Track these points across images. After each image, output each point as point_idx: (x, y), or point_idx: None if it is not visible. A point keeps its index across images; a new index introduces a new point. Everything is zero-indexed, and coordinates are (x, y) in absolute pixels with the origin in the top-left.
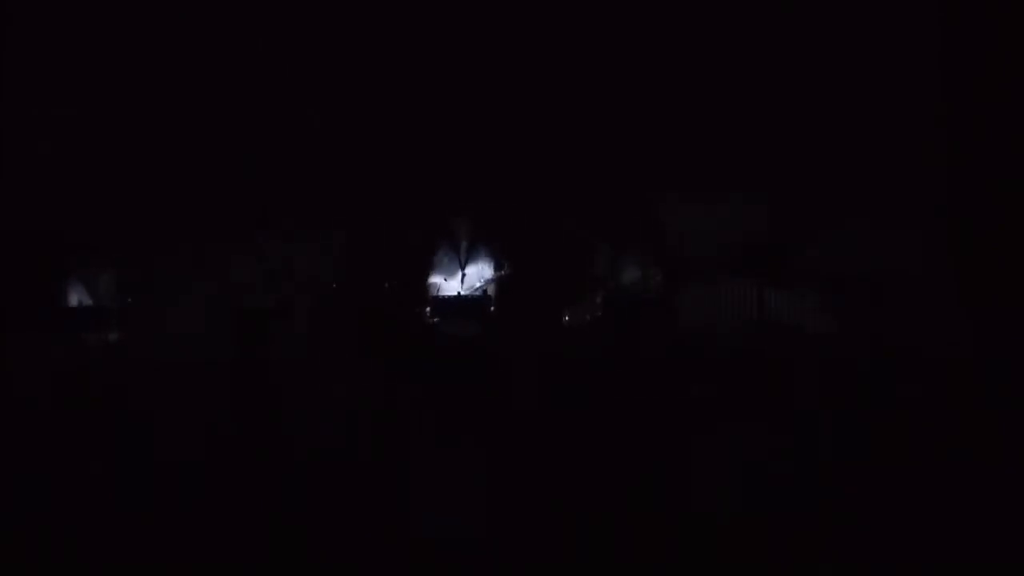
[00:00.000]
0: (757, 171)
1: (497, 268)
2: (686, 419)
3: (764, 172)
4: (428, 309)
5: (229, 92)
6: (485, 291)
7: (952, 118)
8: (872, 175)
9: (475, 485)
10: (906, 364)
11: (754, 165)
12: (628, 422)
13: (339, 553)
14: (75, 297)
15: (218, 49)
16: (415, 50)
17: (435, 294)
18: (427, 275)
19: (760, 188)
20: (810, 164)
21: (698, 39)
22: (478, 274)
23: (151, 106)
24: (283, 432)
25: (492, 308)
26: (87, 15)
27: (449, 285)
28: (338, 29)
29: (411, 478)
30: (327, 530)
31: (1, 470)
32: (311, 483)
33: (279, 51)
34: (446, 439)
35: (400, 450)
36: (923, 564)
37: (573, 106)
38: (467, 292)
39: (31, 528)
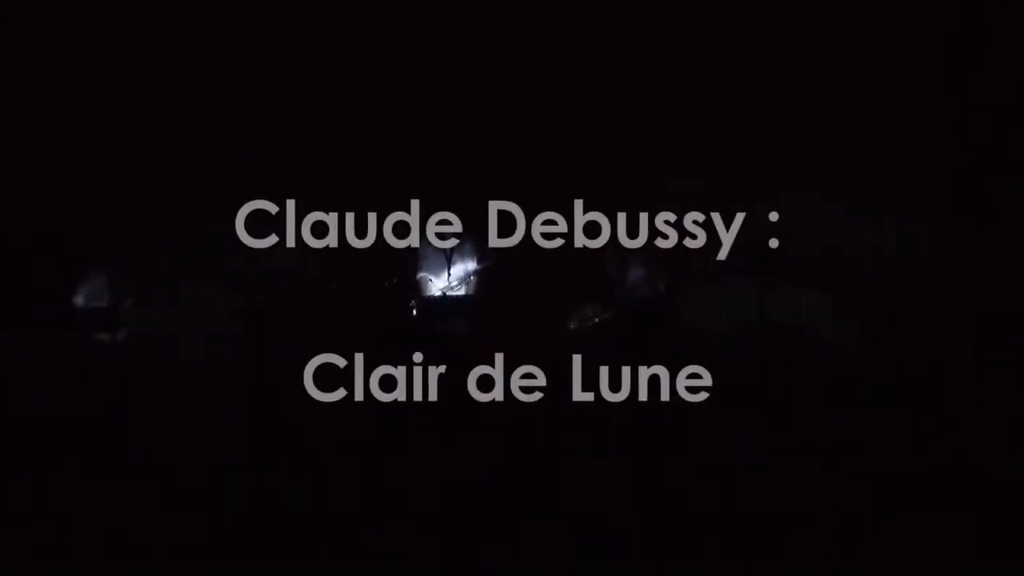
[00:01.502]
0: (758, 172)
1: (480, 261)
2: (686, 418)
3: (766, 173)
4: (414, 309)
5: (228, 93)
6: (468, 285)
7: (952, 118)
8: (873, 175)
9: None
10: (906, 364)
11: (755, 166)
12: (627, 420)
13: (341, 553)
14: (78, 297)
15: (217, 50)
16: (394, 49)
17: (422, 292)
18: (415, 273)
19: (762, 189)
20: (811, 163)
21: (700, 38)
22: (464, 269)
23: (150, 106)
24: (286, 431)
25: (478, 304)
26: (87, 15)
27: (436, 282)
28: (330, 34)
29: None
30: (330, 530)
31: (3, 469)
32: (314, 482)
33: (277, 52)
34: (446, 437)
35: (401, 449)
36: (923, 564)
37: (558, 100)
38: (455, 285)
39: (32, 528)
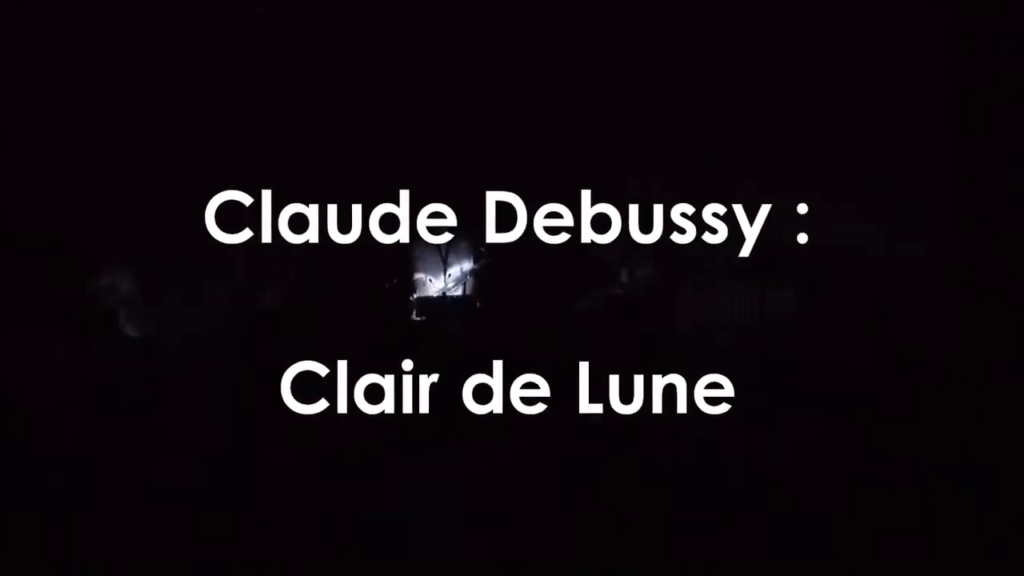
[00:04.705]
0: (759, 173)
1: (476, 260)
2: (686, 415)
3: (766, 174)
4: (413, 310)
5: (229, 93)
6: (465, 285)
7: (955, 120)
8: (874, 176)
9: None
10: (906, 364)
11: (756, 167)
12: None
13: (338, 552)
14: (95, 299)
15: (218, 51)
16: (381, 28)
17: (420, 293)
18: (412, 274)
19: (763, 189)
20: (811, 163)
21: (703, 38)
22: (461, 267)
23: (152, 106)
24: (284, 430)
25: (477, 304)
26: (87, 16)
27: (436, 283)
28: (315, 13)
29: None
30: (326, 530)
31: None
32: (310, 481)
33: (277, 53)
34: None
35: (402, 449)
36: (922, 563)
37: (559, 79)
38: (452, 285)
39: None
